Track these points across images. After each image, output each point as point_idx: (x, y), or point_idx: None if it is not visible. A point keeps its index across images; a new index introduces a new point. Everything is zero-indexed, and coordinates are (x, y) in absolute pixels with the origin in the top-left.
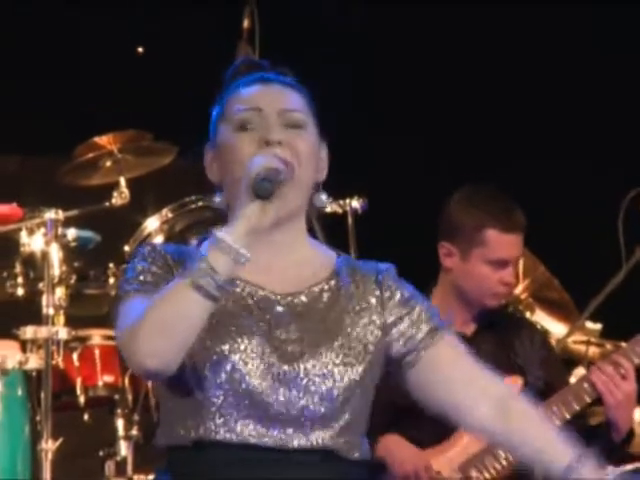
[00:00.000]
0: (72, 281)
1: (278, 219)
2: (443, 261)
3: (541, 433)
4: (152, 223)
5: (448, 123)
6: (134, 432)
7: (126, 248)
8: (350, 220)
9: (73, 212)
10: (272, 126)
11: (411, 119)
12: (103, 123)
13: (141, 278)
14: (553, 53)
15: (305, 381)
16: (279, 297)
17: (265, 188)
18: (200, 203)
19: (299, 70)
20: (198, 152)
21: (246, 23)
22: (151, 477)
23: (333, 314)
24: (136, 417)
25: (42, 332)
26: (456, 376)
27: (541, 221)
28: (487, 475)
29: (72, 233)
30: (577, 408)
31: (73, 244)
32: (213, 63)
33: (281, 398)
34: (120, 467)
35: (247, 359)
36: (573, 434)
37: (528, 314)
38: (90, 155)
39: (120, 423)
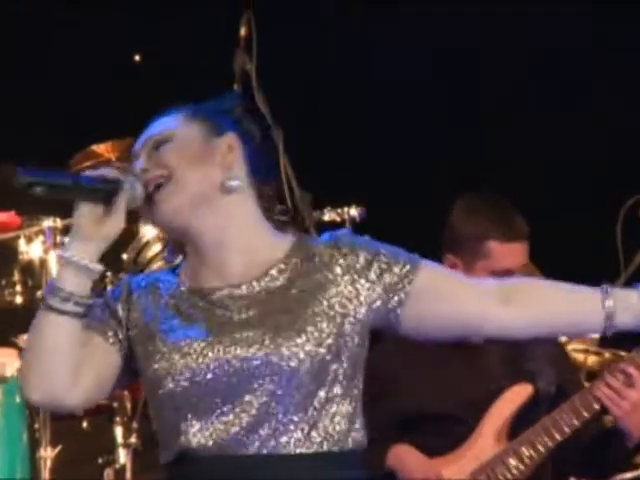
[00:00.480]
0: None
1: (167, 215)
2: None
3: (560, 298)
4: (150, 231)
5: (449, 128)
6: (133, 440)
7: (124, 256)
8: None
9: (70, 220)
10: (139, 160)
11: (410, 125)
12: (101, 131)
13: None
14: (554, 54)
15: (275, 367)
16: (232, 289)
17: (22, 178)
18: None
19: (298, 77)
20: None
21: (243, 31)
22: None
23: (293, 294)
24: (135, 425)
25: None
26: (450, 291)
27: (539, 228)
28: None
29: None
30: (580, 423)
31: None
32: (210, 71)
33: (254, 387)
34: (119, 475)
35: (202, 361)
36: (588, 436)
37: None
38: (88, 163)
39: (119, 431)
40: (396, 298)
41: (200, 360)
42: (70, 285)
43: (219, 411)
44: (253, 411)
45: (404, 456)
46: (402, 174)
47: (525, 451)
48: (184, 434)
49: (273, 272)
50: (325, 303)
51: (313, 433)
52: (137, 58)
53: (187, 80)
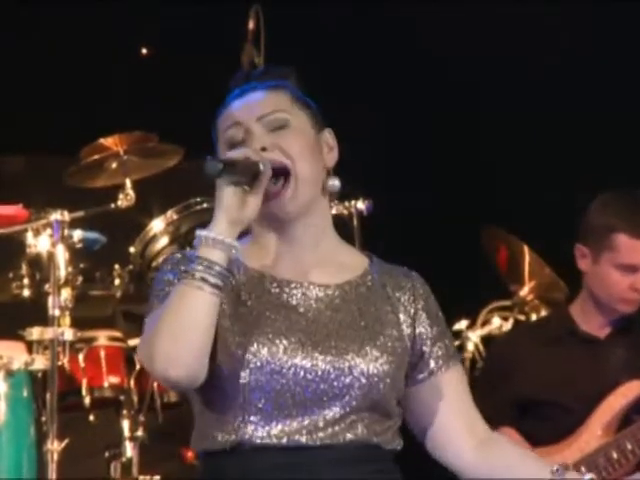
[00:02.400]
0: (78, 282)
1: (288, 214)
2: (578, 263)
3: (519, 464)
4: (157, 225)
5: (454, 125)
6: (140, 433)
7: (131, 250)
8: (355, 222)
9: (79, 213)
10: (254, 135)
11: (418, 120)
12: (109, 124)
13: (166, 289)
14: (554, 60)
15: (349, 379)
16: (314, 291)
17: (214, 166)
18: (205, 205)
19: (305, 72)
20: None
21: (251, 25)
22: (156, 478)
23: (371, 310)
24: (142, 418)
25: (48, 333)
26: (452, 408)
27: (547, 223)
28: (598, 476)
29: (78, 234)
30: None
31: (79, 245)
32: (219, 64)
33: (324, 397)
34: (126, 468)
35: (288, 360)
36: None
37: (534, 316)
38: (96, 156)
39: (126, 424)
40: (415, 374)
41: (285, 358)
42: (222, 262)
43: (288, 412)
44: (327, 418)
45: None
46: (410, 167)
47: (629, 446)
48: (244, 426)
49: (351, 282)
50: (393, 329)
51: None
52: (144, 51)
53: (195, 73)
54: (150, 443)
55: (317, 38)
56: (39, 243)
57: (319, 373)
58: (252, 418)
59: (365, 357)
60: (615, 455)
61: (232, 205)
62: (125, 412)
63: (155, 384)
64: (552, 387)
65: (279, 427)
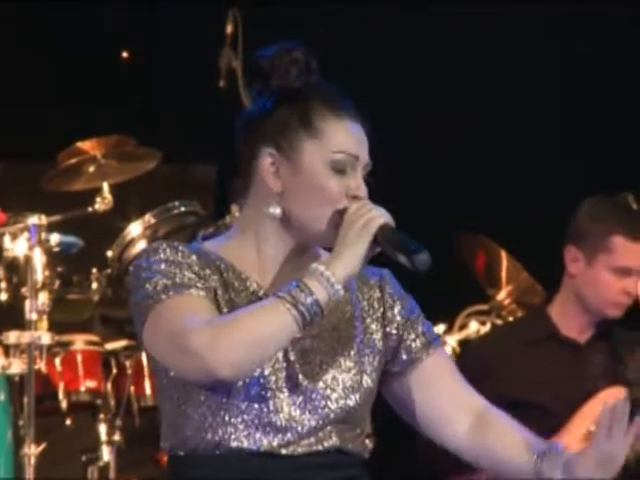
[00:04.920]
0: (55, 286)
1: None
2: (568, 266)
3: (509, 442)
4: (135, 228)
5: (447, 120)
6: (117, 437)
7: (109, 253)
8: None
9: (56, 217)
10: (361, 181)
11: (393, 124)
12: (86, 128)
13: (178, 280)
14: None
15: (327, 392)
16: None
17: (425, 260)
18: (183, 208)
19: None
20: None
21: (229, 29)
22: None
23: (345, 321)
24: (119, 422)
25: (25, 337)
26: (442, 392)
27: (524, 227)
28: None
29: (55, 238)
30: None
31: (56, 249)
32: (196, 69)
33: (303, 411)
34: (103, 472)
35: (276, 371)
36: None
37: (511, 319)
38: (73, 160)
39: (103, 428)
40: (397, 368)
41: (268, 370)
42: (321, 297)
43: (268, 419)
44: (304, 430)
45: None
46: (403, 169)
47: None
48: (224, 428)
49: None
50: (368, 335)
51: (351, 444)
52: (125, 55)
53: (174, 77)
54: (127, 447)
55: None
56: (16, 247)
57: (298, 385)
58: (232, 420)
59: (339, 368)
60: None
61: (359, 261)
62: (102, 416)
63: (132, 388)
64: (532, 388)
65: (257, 434)
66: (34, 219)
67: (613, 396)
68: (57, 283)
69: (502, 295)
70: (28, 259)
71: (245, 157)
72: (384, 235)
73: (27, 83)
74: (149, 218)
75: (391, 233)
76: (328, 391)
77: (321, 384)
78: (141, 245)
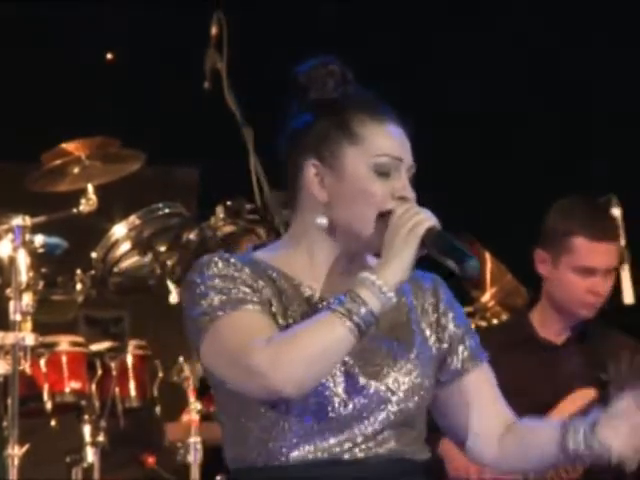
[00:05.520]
0: (39, 287)
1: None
2: (538, 268)
3: (536, 438)
4: (119, 230)
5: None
6: (101, 438)
7: (93, 255)
8: None
9: (41, 218)
10: (406, 182)
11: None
12: (71, 129)
13: (234, 295)
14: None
15: (388, 394)
16: None
17: (474, 267)
18: (167, 210)
19: (269, 79)
20: None
21: (214, 30)
22: None
23: (402, 323)
24: (103, 423)
25: (9, 338)
26: (483, 407)
27: (508, 228)
28: None
29: (40, 239)
30: None
31: (41, 250)
32: (181, 70)
33: (363, 413)
34: (87, 473)
35: (333, 376)
36: None
37: (496, 322)
38: (58, 162)
39: (87, 429)
40: (444, 377)
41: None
42: (374, 307)
43: (328, 426)
44: (365, 433)
45: (454, 449)
46: None
47: None
48: (283, 440)
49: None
50: (424, 339)
51: (410, 448)
52: (109, 56)
53: (157, 79)
54: (111, 448)
55: (281, 44)
56: (0, 248)
57: (358, 388)
58: (293, 429)
59: (400, 371)
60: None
61: (409, 267)
62: (86, 417)
63: (116, 389)
64: (508, 393)
65: (317, 441)
66: (18, 220)
67: (585, 397)
68: (41, 284)
69: (486, 297)
70: (12, 260)
71: (290, 171)
72: (431, 239)
73: (12, 84)
74: (133, 219)
75: (438, 237)
76: (389, 393)
77: (382, 386)
78: (125, 246)
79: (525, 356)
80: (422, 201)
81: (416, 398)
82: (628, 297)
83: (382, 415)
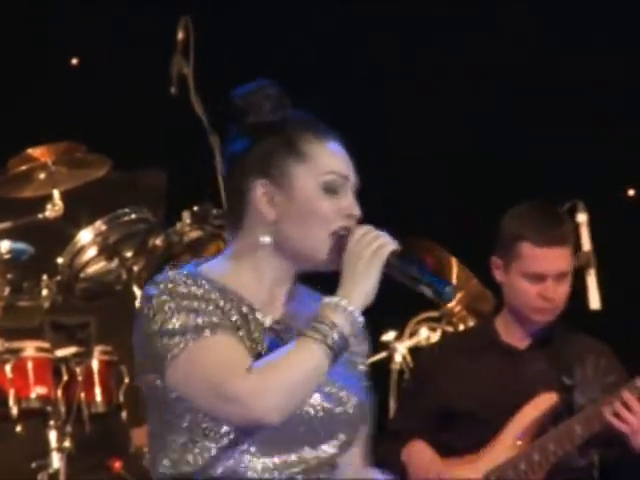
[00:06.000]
0: (5, 293)
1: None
2: (494, 274)
3: None
4: (85, 235)
5: (377, 134)
6: (67, 444)
7: (59, 260)
8: None
9: (6, 224)
10: (353, 200)
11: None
12: (36, 135)
13: (207, 319)
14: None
15: (346, 415)
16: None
17: (449, 293)
18: (133, 215)
19: (236, 85)
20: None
21: (180, 35)
22: None
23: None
24: (69, 429)
25: None
26: None
27: (475, 233)
28: None
29: (5, 245)
30: (590, 434)
31: (6, 256)
32: (147, 76)
33: (321, 433)
34: (53, 479)
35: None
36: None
37: (462, 327)
38: (24, 167)
39: (53, 435)
40: None
41: None
42: (346, 331)
43: (286, 446)
44: (321, 456)
45: (415, 453)
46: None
47: (536, 457)
48: (241, 455)
49: None
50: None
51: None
52: (74, 61)
53: (124, 84)
54: (77, 454)
55: (248, 49)
56: None
57: (321, 408)
58: (251, 448)
59: (351, 389)
60: (523, 467)
61: (373, 289)
62: (52, 423)
63: (82, 394)
64: (470, 398)
65: (274, 460)
66: None
67: (547, 401)
68: (7, 290)
69: (452, 302)
70: None
71: (233, 191)
72: (397, 263)
73: None
74: (100, 225)
75: (404, 261)
76: (347, 414)
77: (341, 405)
78: (92, 252)
79: (488, 361)
80: (387, 204)
81: (366, 414)
82: (594, 302)
83: (339, 437)
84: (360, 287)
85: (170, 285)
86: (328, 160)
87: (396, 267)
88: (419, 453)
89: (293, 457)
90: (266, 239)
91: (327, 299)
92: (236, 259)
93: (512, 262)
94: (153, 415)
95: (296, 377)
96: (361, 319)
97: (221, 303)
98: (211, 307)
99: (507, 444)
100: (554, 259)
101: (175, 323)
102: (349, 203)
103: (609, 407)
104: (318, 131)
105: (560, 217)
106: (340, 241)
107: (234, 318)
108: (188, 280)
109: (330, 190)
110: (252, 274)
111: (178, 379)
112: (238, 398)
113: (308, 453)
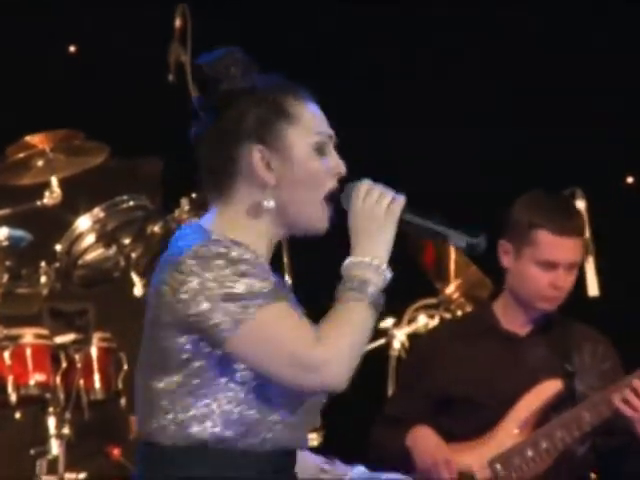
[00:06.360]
0: (4, 280)
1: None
2: (501, 260)
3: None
4: (84, 222)
5: (379, 119)
6: (65, 431)
7: (58, 247)
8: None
9: (5, 211)
10: (335, 154)
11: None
12: (34, 122)
13: (271, 286)
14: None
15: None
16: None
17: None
18: (131, 202)
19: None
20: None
21: (178, 23)
22: (82, 476)
23: None
24: (68, 416)
25: None
26: None
27: (474, 220)
28: (513, 473)
29: (4, 232)
30: (599, 421)
31: (5, 243)
32: (145, 63)
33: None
34: (52, 466)
35: None
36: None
37: (460, 313)
38: (22, 154)
39: (52, 422)
40: None
41: None
42: (381, 287)
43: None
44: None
45: (420, 438)
46: None
47: (543, 444)
48: (273, 427)
49: None
50: None
51: None
52: (72, 49)
53: (121, 71)
54: (76, 441)
55: (245, 36)
56: None
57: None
58: (282, 419)
59: None
60: (530, 454)
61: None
62: (51, 410)
63: (81, 381)
64: (468, 384)
65: (298, 433)
66: None
67: (550, 388)
68: (6, 277)
69: (451, 289)
70: None
71: (221, 159)
72: (411, 218)
73: None
74: (98, 212)
75: (416, 215)
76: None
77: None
78: (90, 239)
79: (488, 347)
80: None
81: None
82: (593, 289)
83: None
84: (381, 244)
85: (222, 250)
86: (314, 120)
87: (410, 222)
88: (424, 438)
89: (301, 431)
90: (271, 203)
91: (354, 259)
92: (237, 226)
93: (525, 249)
94: (173, 374)
95: (358, 341)
96: (390, 274)
97: (266, 267)
98: (268, 273)
99: (511, 431)
100: (569, 249)
101: (238, 287)
102: (336, 162)
103: (618, 394)
104: (298, 92)
105: (575, 208)
106: (334, 202)
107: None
108: (237, 246)
109: (320, 150)
110: (257, 239)
111: (246, 346)
112: (315, 366)
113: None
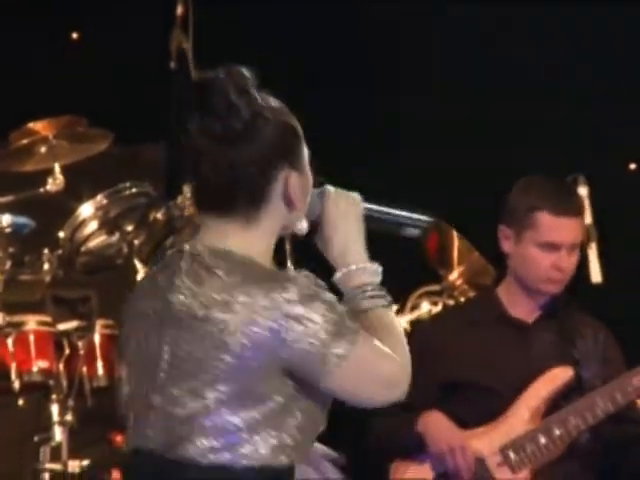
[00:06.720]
0: (7, 267)
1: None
2: (502, 245)
3: None
4: (86, 209)
5: (368, 105)
6: (69, 418)
7: (60, 234)
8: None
9: (8, 198)
10: None
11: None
12: (38, 109)
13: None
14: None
15: None
16: None
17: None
18: (134, 190)
19: (236, 59)
20: None
21: (180, 10)
22: (85, 462)
23: None
24: (71, 402)
25: None
26: None
27: (477, 207)
28: (526, 460)
29: (7, 219)
30: (614, 409)
31: (8, 230)
32: (147, 50)
33: None
34: (55, 452)
35: None
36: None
37: (463, 300)
38: (25, 141)
39: (55, 408)
40: None
41: None
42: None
43: None
44: None
45: (432, 423)
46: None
47: (557, 431)
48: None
49: None
50: None
51: None
52: (75, 35)
53: (124, 58)
54: (79, 427)
55: (247, 23)
56: None
57: None
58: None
59: None
60: (543, 441)
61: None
62: (54, 396)
63: (84, 368)
64: (476, 369)
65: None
66: None
67: (561, 375)
68: (8, 264)
69: (454, 275)
70: None
71: (248, 183)
72: (373, 214)
73: None
74: (100, 199)
75: (376, 211)
76: None
77: None
78: (92, 226)
79: (496, 334)
80: (392, 178)
81: None
82: (596, 276)
83: None
84: (363, 245)
85: (302, 284)
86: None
87: (374, 218)
88: (436, 423)
89: None
90: (304, 224)
91: (357, 266)
92: (262, 247)
93: (525, 232)
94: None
95: (405, 344)
96: (380, 269)
97: None
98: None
99: (522, 417)
100: (571, 229)
101: (343, 321)
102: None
103: (637, 380)
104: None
105: (572, 189)
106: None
107: None
108: (307, 277)
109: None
110: (269, 253)
111: (349, 381)
112: (398, 382)
113: None
